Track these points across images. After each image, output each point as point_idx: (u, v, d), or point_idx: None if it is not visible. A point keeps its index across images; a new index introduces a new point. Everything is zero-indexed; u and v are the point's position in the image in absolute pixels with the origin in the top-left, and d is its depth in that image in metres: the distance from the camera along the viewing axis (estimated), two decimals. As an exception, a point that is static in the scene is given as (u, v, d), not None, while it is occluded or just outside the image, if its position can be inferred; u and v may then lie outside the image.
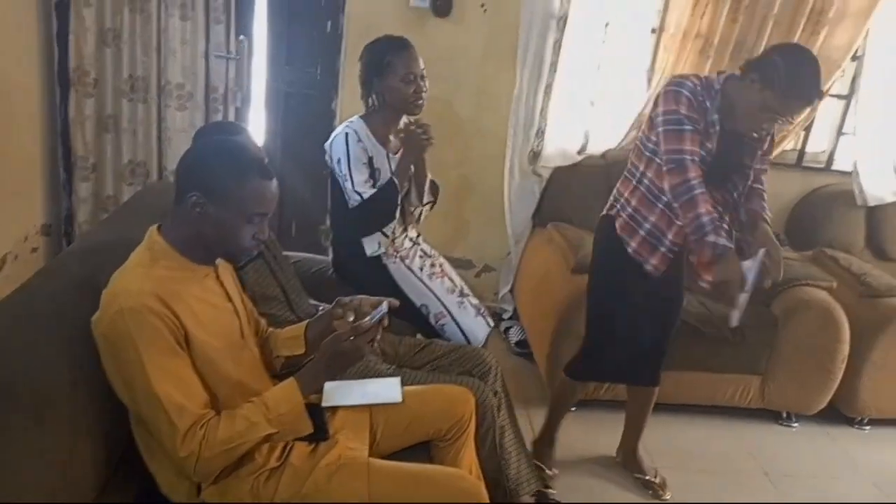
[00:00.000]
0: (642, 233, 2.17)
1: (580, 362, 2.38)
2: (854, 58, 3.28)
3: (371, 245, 2.31)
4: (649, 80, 3.25)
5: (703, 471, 2.61)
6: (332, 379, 1.47)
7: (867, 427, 2.98)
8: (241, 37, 3.18)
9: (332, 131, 3.56)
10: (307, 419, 1.43)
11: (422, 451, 1.77)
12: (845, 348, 2.79)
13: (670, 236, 2.14)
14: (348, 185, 2.28)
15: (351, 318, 1.43)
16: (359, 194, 2.25)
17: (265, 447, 1.48)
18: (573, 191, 3.29)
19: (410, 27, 3.18)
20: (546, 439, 2.50)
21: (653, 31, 3.19)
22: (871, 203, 3.40)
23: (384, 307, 1.49)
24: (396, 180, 2.26)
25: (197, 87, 3.16)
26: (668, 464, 2.59)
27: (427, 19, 3.19)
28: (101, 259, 1.54)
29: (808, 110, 2.12)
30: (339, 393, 1.66)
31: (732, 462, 2.69)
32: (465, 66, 3.27)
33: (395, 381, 1.78)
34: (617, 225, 2.21)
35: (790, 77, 1.90)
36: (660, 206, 2.12)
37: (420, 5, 3.15)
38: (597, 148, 3.34)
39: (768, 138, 2.16)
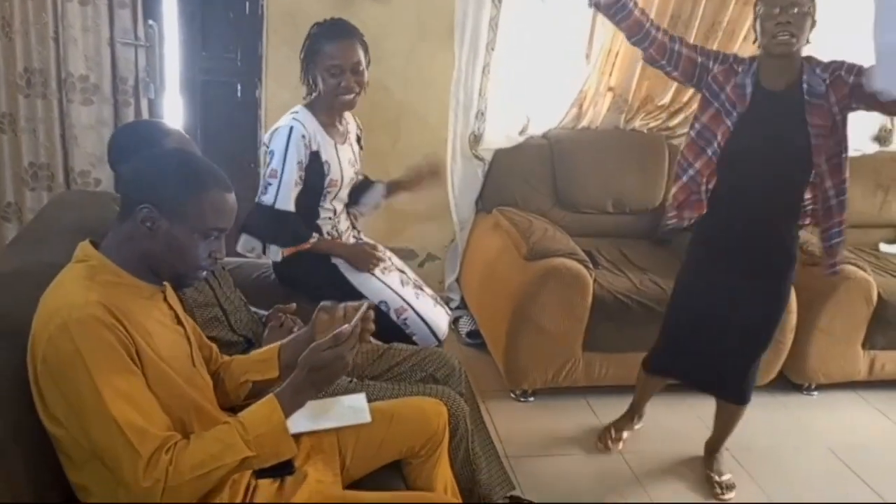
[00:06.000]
0: (685, 179, 2.23)
1: (657, 354, 2.43)
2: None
3: (275, 251, 2.18)
4: (587, 57, 3.17)
5: (669, 451, 2.59)
6: (317, 394, 1.31)
7: (815, 393, 3.04)
8: (150, 21, 2.89)
9: (256, 122, 3.33)
10: (290, 440, 1.26)
11: (393, 471, 1.65)
12: (793, 318, 2.82)
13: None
14: (273, 182, 2.13)
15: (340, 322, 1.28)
16: (275, 198, 2.12)
17: (226, 490, 1.31)
18: (517, 173, 3.19)
19: (337, 7, 2.95)
20: (628, 415, 2.61)
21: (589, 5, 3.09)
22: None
23: (364, 308, 1.36)
24: (313, 240, 2.21)
25: (103, 78, 2.86)
26: (634, 447, 2.56)
27: (355, -1, 2.99)
28: (16, 291, 1.32)
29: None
30: (301, 417, 1.51)
31: (694, 439, 2.67)
32: (399, 48, 3.09)
33: (360, 398, 1.64)
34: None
35: None
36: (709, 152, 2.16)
37: (347, -17, 2.94)
38: (538, 128, 3.24)
39: None
